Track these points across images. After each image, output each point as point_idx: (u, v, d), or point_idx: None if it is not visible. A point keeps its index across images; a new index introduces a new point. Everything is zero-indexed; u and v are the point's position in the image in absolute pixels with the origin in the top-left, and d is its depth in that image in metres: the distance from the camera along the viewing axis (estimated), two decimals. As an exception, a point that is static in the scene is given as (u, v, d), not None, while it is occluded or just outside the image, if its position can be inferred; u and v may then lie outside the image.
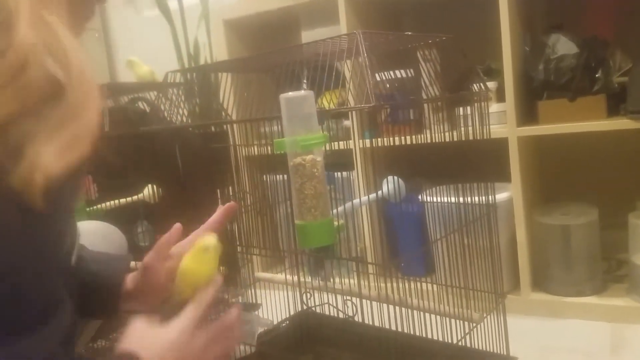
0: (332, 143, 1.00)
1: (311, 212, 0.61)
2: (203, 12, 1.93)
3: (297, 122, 0.60)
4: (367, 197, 0.83)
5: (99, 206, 1.14)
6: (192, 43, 1.97)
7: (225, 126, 1.33)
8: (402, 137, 1.19)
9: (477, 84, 1.17)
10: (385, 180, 0.85)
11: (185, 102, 1.26)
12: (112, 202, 1.18)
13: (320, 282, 0.69)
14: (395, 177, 0.85)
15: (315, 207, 0.61)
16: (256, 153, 1.19)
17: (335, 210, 0.71)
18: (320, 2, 1.48)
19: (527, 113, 1.33)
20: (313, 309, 1.02)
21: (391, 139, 1.12)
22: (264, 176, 1.67)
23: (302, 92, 0.61)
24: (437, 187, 1.27)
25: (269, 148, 1.08)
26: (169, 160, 1.24)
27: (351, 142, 1.28)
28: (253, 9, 1.58)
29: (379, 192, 0.81)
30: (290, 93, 0.60)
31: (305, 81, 0.69)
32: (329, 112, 0.66)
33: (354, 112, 1.21)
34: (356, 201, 0.82)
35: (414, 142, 1.13)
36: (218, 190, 1.56)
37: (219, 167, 1.48)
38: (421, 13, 1.70)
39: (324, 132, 0.62)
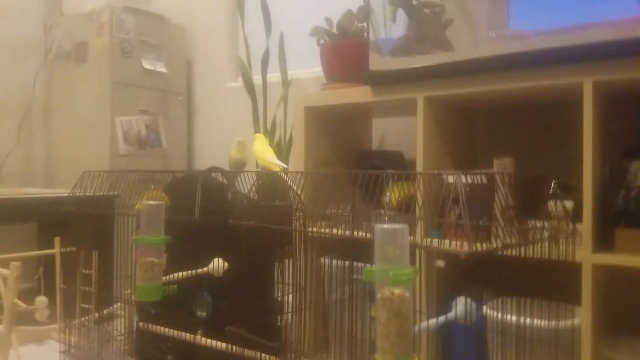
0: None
1: (394, 350, 0.60)
2: (283, 96, 2.04)
3: (389, 253, 0.61)
4: (437, 319, 0.82)
5: (169, 277, 1.17)
6: (270, 120, 2.07)
7: (296, 212, 1.36)
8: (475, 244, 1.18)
9: (554, 201, 1.16)
10: (455, 302, 0.83)
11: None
12: (182, 273, 1.22)
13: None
14: (468, 299, 0.83)
15: (399, 347, 0.60)
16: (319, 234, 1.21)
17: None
18: (399, 100, 1.53)
19: (602, 239, 1.30)
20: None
21: (458, 243, 1.11)
22: (322, 258, 1.69)
23: (397, 225, 0.62)
24: (500, 300, 1.24)
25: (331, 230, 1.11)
26: (237, 236, 1.27)
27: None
28: (334, 101, 1.66)
29: (450, 314, 0.79)
30: (385, 225, 0.62)
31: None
32: (422, 247, 0.67)
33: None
34: (424, 324, 0.81)
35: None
36: (276, 264, 1.58)
37: (280, 245, 1.51)
38: (497, 113, 1.72)
39: (414, 267, 0.63)
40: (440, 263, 1.06)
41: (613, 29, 1.22)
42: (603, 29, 1.23)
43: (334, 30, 1.71)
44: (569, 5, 1.34)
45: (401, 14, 1.53)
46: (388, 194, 1.51)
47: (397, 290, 0.61)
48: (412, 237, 0.65)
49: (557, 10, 1.35)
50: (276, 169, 1.31)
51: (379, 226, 0.62)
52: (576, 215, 1.30)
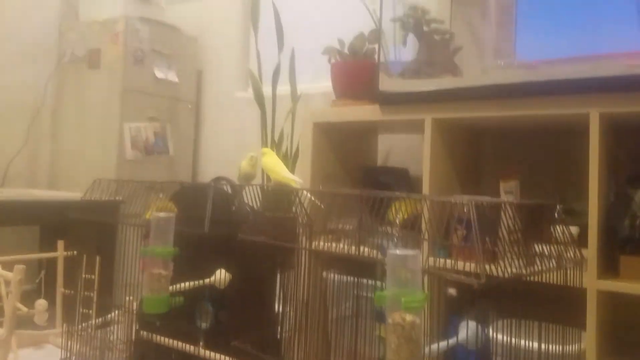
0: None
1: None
2: (291, 110, 2.06)
3: (401, 278, 0.62)
4: (447, 342, 0.83)
5: (173, 287, 1.18)
6: (277, 132, 2.09)
7: (302, 227, 1.38)
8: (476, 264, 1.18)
9: (559, 227, 1.17)
10: (462, 325, 0.84)
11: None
12: (186, 284, 1.22)
13: None
14: (475, 323, 0.84)
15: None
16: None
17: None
18: (407, 120, 1.55)
19: (607, 265, 1.30)
20: None
21: (463, 263, 1.12)
22: (325, 272, 1.69)
23: (410, 251, 0.63)
24: (505, 322, 1.24)
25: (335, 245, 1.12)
26: (240, 248, 1.28)
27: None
28: (343, 118, 1.68)
29: (455, 339, 0.80)
30: (397, 251, 0.63)
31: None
32: (436, 274, 0.68)
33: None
34: (432, 347, 0.81)
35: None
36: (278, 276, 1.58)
37: (284, 256, 1.51)
38: (504, 137, 1.74)
39: (424, 291, 0.64)
40: (452, 291, 1.08)
41: (619, 61, 1.24)
42: (609, 61, 1.25)
43: (346, 50, 1.74)
44: (574, 37, 1.36)
45: (411, 38, 1.56)
46: (394, 211, 1.52)
47: (409, 317, 0.62)
48: (424, 263, 0.66)
49: (562, 41, 1.37)
50: (293, 184, 1.32)
51: (391, 251, 0.63)
52: (581, 241, 1.31)
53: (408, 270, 0.63)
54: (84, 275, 1.42)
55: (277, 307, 1.51)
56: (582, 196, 1.29)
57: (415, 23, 1.58)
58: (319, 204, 1.17)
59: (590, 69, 1.26)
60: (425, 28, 1.56)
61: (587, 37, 1.39)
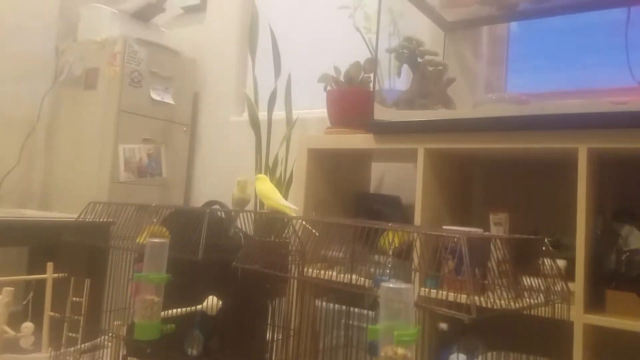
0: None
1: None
2: (286, 135, 2.08)
3: (394, 312, 0.64)
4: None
5: (164, 313, 1.18)
6: (272, 156, 2.11)
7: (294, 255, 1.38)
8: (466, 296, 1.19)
9: (547, 260, 1.19)
10: (452, 357, 0.85)
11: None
12: (177, 310, 1.22)
13: None
14: (463, 356, 0.85)
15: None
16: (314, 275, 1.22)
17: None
18: (400, 149, 1.58)
19: (594, 299, 1.32)
20: None
21: (452, 294, 1.14)
22: (317, 300, 1.69)
23: (403, 284, 0.65)
24: (494, 354, 1.25)
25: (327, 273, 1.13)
26: (231, 274, 1.28)
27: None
28: (338, 145, 1.70)
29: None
30: (391, 284, 0.65)
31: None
32: (428, 308, 0.69)
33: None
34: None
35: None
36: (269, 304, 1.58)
37: (275, 286, 1.51)
38: (494, 168, 1.77)
39: (417, 326, 0.65)
40: (443, 326, 1.09)
41: (607, 97, 1.28)
42: (597, 97, 1.29)
43: (341, 78, 1.77)
44: (563, 73, 1.40)
45: (406, 69, 1.59)
46: (386, 240, 1.54)
47: (401, 350, 0.63)
48: (416, 296, 0.68)
49: (552, 77, 1.41)
50: (288, 211, 1.33)
51: (384, 284, 0.65)
52: (568, 274, 1.33)
53: (401, 303, 0.64)
54: (72, 298, 1.41)
55: (268, 334, 1.51)
56: (569, 229, 1.31)
57: (410, 54, 1.62)
58: (314, 232, 1.19)
59: (579, 105, 1.29)
60: (419, 59, 1.60)
61: (576, 73, 1.43)
